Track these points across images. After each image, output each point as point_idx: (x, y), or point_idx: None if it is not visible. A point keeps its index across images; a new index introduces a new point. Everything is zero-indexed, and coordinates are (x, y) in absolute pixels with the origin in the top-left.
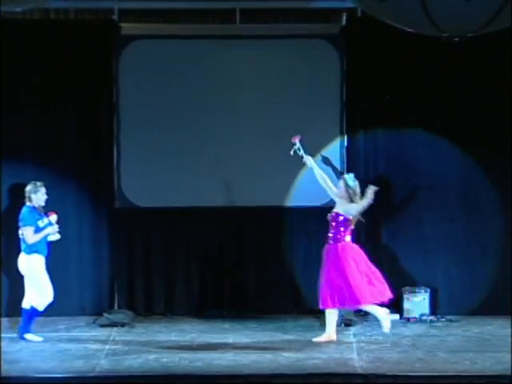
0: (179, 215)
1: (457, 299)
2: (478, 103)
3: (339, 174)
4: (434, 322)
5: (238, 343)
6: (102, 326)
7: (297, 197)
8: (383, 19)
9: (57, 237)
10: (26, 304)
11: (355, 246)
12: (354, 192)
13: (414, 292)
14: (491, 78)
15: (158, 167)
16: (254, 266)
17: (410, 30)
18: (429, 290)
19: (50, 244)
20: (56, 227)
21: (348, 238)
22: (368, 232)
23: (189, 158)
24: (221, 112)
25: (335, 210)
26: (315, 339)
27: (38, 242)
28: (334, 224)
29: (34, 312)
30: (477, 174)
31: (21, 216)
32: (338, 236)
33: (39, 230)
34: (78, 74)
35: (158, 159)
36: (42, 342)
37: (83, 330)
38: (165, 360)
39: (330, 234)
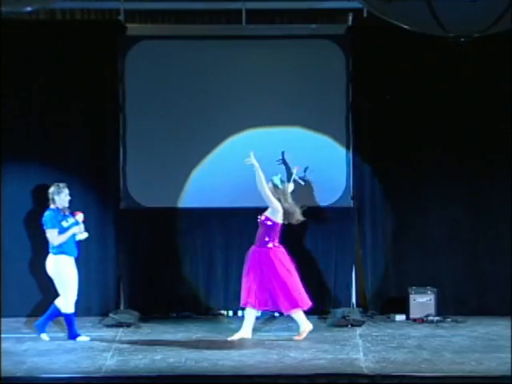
0: (185, 216)
1: (463, 300)
2: (486, 103)
3: (290, 175)
4: (440, 322)
5: (243, 343)
6: (108, 326)
7: (307, 197)
8: (389, 19)
9: (85, 235)
10: (59, 303)
11: (283, 251)
12: (283, 193)
13: (420, 292)
14: (499, 78)
15: (164, 168)
16: None
17: (416, 30)
18: (435, 291)
19: (79, 244)
20: (82, 226)
21: (276, 242)
22: (374, 232)
23: (195, 159)
24: (226, 113)
25: (265, 213)
26: (230, 338)
27: (65, 242)
28: (262, 227)
29: (69, 316)
30: (483, 174)
31: (43, 219)
32: (267, 239)
33: (64, 230)
34: (84, 75)
35: (163, 160)
36: (49, 342)
37: (89, 330)
38: (171, 360)
39: (260, 237)
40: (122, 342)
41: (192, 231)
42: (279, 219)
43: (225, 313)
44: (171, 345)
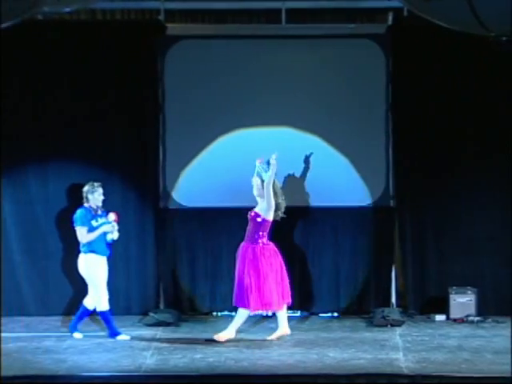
0: (224, 215)
1: (504, 300)
2: None
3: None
4: (480, 322)
5: (283, 343)
6: (148, 325)
7: (347, 197)
8: (430, 18)
9: (115, 236)
10: (88, 304)
11: (272, 248)
12: (273, 190)
13: (461, 292)
14: None
15: (204, 167)
16: (299, 265)
17: (456, 29)
18: (475, 291)
19: (112, 245)
20: (113, 226)
21: (265, 239)
22: (414, 231)
23: (234, 159)
24: (266, 113)
25: (255, 209)
26: (216, 336)
27: (95, 241)
28: (252, 224)
29: (105, 314)
30: None
31: (74, 217)
32: (256, 236)
33: (93, 229)
34: (124, 75)
35: (203, 159)
36: (89, 341)
37: (129, 329)
38: (210, 360)
39: (250, 234)
40: (162, 341)
41: (232, 230)
42: (271, 216)
43: (263, 312)
44: (211, 344)
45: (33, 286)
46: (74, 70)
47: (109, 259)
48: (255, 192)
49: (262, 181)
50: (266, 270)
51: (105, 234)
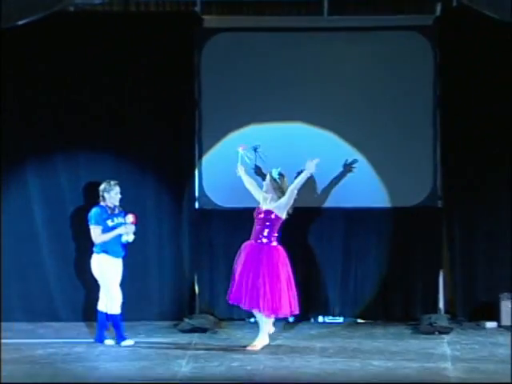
0: None
1: None
2: None
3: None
4: None
5: (325, 350)
6: (183, 331)
7: (391, 197)
8: (480, 9)
9: (130, 238)
10: (101, 307)
11: (282, 249)
12: (280, 187)
13: None
14: None
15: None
16: (341, 268)
17: (506, 20)
18: None
19: (127, 246)
20: (129, 228)
21: (276, 239)
22: (463, 233)
23: (274, 157)
24: (306, 107)
25: (266, 207)
26: (251, 347)
27: (109, 242)
28: (264, 223)
29: (115, 317)
30: None
31: (88, 215)
32: (268, 235)
33: (108, 229)
34: (158, 69)
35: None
36: (122, 347)
37: (163, 335)
38: (248, 368)
39: (261, 234)
40: (198, 348)
41: None
42: (284, 215)
43: (306, 318)
44: (249, 351)
45: (64, 291)
46: (107, 64)
47: (141, 263)
48: (263, 188)
49: (272, 178)
50: (282, 273)
51: (120, 235)
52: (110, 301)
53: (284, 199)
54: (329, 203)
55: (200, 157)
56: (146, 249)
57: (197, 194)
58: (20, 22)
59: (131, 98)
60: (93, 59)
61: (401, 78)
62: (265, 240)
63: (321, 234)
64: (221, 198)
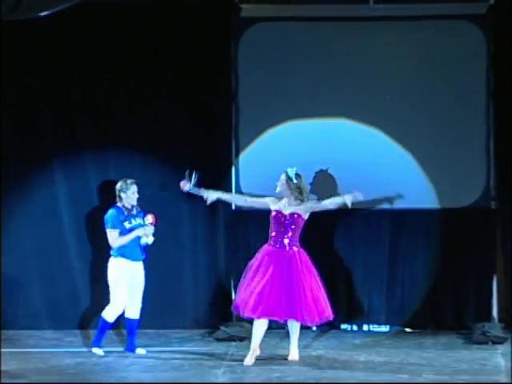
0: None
1: None
2: None
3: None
4: None
5: (370, 361)
6: (219, 339)
7: (441, 198)
8: None
9: (150, 240)
10: (130, 314)
11: (305, 252)
12: (298, 187)
13: None
14: None
15: (281, 163)
16: (387, 272)
17: None
18: None
19: (147, 248)
20: (148, 229)
21: (298, 242)
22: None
23: (313, 153)
24: (350, 102)
25: (289, 210)
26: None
27: (127, 245)
28: (291, 226)
29: (104, 323)
30: None
31: (105, 218)
32: (293, 240)
33: (126, 232)
34: (193, 61)
35: (280, 154)
36: (154, 357)
37: (198, 344)
38: (289, 379)
39: (285, 239)
40: (235, 358)
41: (312, 235)
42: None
43: (348, 327)
44: (289, 362)
45: (92, 297)
46: (138, 58)
47: (174, 268)
48: (277, 189)
49: (289, 177)
50: (313, 277)
51: (138, 237)
52: (110, 305)
53: (312, 205)
54: (374, 204)
55: (237, 154)
56: (180, 253)
57: (233, 193)
58: (43, 13)
59: (164, 93)
60: (124, 53)
61: (451, 70)
62: (290, 245)
63: (365, 237)
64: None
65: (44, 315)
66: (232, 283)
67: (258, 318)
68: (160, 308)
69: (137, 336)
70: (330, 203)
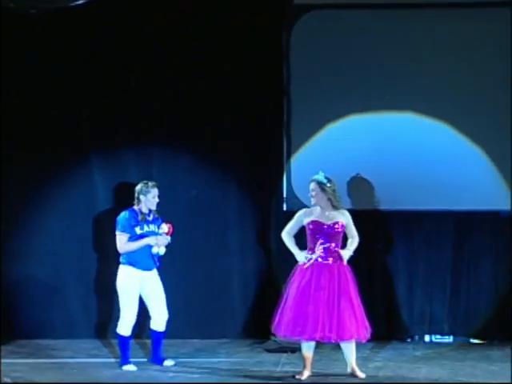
0: (361, 219)
1: None
2: None
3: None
4: None
5: (432, 374)
6: (269, 351)
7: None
8: None
9: (162, 250)
10: (155, 325)
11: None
12: (332, 190)
13: None
14: None
15: (336, 161)
16: (451, 281)
17: None
18: None
19: (160, 258)
20: (161, 239)
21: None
22: None
23: (372, 151)
24: (416, 95)
25: (331, 220)
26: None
27: (136, 253)
28: (337, 237)
29: (120, 339)
30: None
31: (116, 219)
32: (335, 252)
33: (136, 238)
34: (243, 53)
35: (334, 152)
36: (200, 368)
37: (246, 355)
38: None
39: (335, 251)
40: (286, 371)
41: (370, 237)
42: None
43: (408, 337)
44: (344, 375)
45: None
46: (184, 50)
47: (221, 274)
48: (312, 201)
49: (321, 183)
50: (355, 289)
51: (150, 245)
52: (120, 318)
53: (348, 222)
54: (437, 205)
55: (289, 152)
56: (228, 258)
57: (285, 194)
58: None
59: (210, 84)
60: (170, 48)
61: (499, 59)
62: (332, 258)
63: (427, 241)
64: None
65: (81, 323)
66: (283, 290)
67: (304, 339)
68: (206, 317)
69: (162, 347)
70: (353, 231)
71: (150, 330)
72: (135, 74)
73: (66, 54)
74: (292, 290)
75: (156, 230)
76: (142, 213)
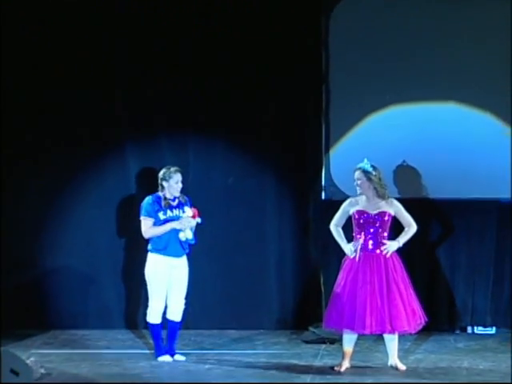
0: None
1: None
2: None
3: None
4: None
5: (474, 368)
6: (308, 342)
7: None
8: None
9: (189, 235)
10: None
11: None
12: (378, 178)
13: None
14: None
15: (376, 150)
16: (494, 271)
17: None
18: None
19: (190, 245)
20: (185, 222)
21: None
22: None
23: (415, 138)
24: (460, 84)
25: (377, 209)
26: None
27: (163, 239)
28: (383, 226)
29: (151, 327)
30: None
31: (140, 205)
32: (382, 242)
33: (159, 223)
34: (278, 39)
35: (374, 140)
36: (236, 360)
37: (284, 346)
38: None
39: (376, 241)
40: (325, 362)
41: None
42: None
43: (450, 329)
44: (383, 366)
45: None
46: (217, 36)
47: (258, 263)
48: (358, 191)
49: (367, 171)
50: (406, 281)
51: (177, 231)
52: (151, 307)
53: (399, 210)
54: (479, 194)
55: (327, 140)
56: (264, 247)
57: (323, 182)
58: None
59: (245, 72)
60: (205, 35)
61: None
62: (379, 249)
63: (469, 231)
64: (352, 187)
65: (117, 314)
66: (322, 280)
67: (356, 331)
68: (242, 307)
69: (176, 340)
70: (407, 220)
71: (166, 320)
72: (171, 61)
73: (108, 34)
74: (340, 282)
75: (181, 214)
76: (165, 198)
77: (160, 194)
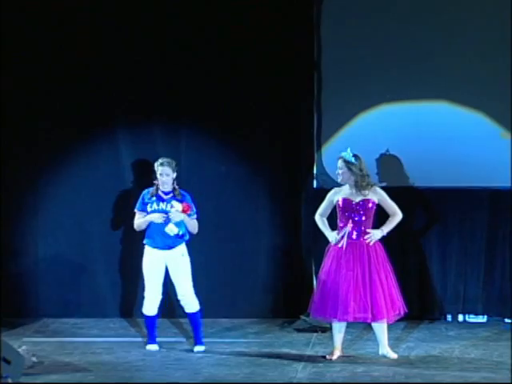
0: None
1: None
2: None
3: None
4: None
5: (465, 356)
6: (299, 330)
7: None
8: None
9: (174, 229)
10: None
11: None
12: (359, 168)
13: None
14: None
15: (367, 138)
16: (485, 260)
17: None
18: None
19: (181, 236)
20: (172, 215)
21: None
22: None
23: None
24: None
25: (359, 197)
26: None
27: (150, 230)
28: (367, 214)
29: (145, 318)
30: None
31: None
32: (365, 230)
33: (147, 215)
34: (270, 25)
35: (365, 128)
36: (228, 349)
37: (276, 335)
38: (375, 374)
39: (360, 230)
40: (317, 351)
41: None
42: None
43: (441, 317)
44: (375, 355)
45: (164, 284)
46: (212, 24)
47: (250, 252)
48: (339, 179)
49: (348, 161)
50: (387, 268)
51: (162, 225)
52: (144, 299)
53: (382, 197)
54: (471, 182)
55: (319, 129)
56: (256, 236)
57: (315, 171)
58: None
59: (237, 58)
60: (198, 22)
61: None
62: (363, 237)
63: (461, 219)
64: None
65: (109, 302)
66: (313, 268)
67: (338, 319)
68: (234, 296)
69: (200, 329)
70: (391, 208)
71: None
72: (165, 49)
73: (103, 25)
74: (324, 270)
75: (168, 209)
76: (156, 190)
77: (156, 185)
